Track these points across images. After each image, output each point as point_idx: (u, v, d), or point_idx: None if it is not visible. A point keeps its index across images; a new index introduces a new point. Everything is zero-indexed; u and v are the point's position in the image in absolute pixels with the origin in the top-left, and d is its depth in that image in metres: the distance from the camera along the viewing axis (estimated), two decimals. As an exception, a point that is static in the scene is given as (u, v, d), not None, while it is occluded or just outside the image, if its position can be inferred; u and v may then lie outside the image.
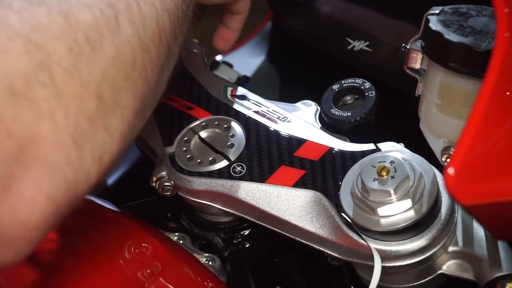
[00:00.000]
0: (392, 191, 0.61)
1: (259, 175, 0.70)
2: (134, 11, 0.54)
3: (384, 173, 0.62)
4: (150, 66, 0.55)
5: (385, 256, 0.63)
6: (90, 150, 0.49)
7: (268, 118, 0.75)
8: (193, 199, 0.73)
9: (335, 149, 0.70)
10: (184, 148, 0.74)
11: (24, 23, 0.47)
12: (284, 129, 0.73)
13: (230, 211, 0.72)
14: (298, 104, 0.78)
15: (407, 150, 0.67)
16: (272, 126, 0.74)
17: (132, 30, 0.53)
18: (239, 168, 0.71)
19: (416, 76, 0.70)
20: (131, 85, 0.53)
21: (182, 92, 0.80)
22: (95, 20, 0.50)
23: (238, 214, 0.72)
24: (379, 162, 0.63)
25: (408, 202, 0.61)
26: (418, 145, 0.69)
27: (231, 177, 0.71)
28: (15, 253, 0.48)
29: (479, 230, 0.64)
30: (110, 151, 0.51)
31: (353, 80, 0.76)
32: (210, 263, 0.74)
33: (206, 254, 0.75)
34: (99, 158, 0.50)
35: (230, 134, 0.74)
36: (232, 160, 0.72)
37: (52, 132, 0.47)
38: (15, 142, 0.45)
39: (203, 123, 0.76)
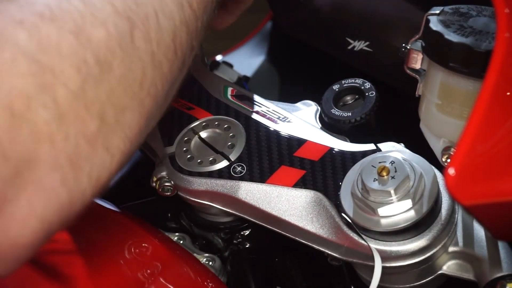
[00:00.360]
0: (392, 191, 0.61)
1: (259, 175, 0.70)
2: (151, 25, 0.52)
3: (384, 173, 0.62)
4: (161, 82, 0.53)
5: (386, 256, 0.63)
6: (87, 171, 0.48)
7: (268, 118, 0.75)
8: (193, 199, 0.73)
9: (335, 149, 0.70)
10: (184, 148, 0.74)
11: (32, 42, 0.46)
12: (284, 129, 0.73)
13: (230, 211, 0.72)
14: (298, 104, 0.78)
15: (407, 150, 0.67)
16: (272, 126, 0.74)
17: (146, 46, 0.51)
18: (239, 168, 0.71)
19: (416, 76, 0.70)
20: (138, 104, 0.51)
21: (182, 92, 0.80)
22: (108, 38, 0.49)
23: (238, 214, 0.71)
24: (380, 162, 0.63)
25: (408, 203, 0.61)
26: (418, 145, 0.69)
27: (231, 177, 0.70)
28: (2, 268, 0.48)
29: (479, 230, 0.64)
30: (109, 170, 0.50)
31: (353, 80, 0.76)
32: (210, 263, 0.74)
33: (206, 254, 0.75)
34: (96, 178, 0.49)
35: (230, 134, 0.74)
36: (232, 160, 0.72)
37: (49, 155, 0.46)
38: (11, 165, 0.44)
39: (203, 123, 0.76)
